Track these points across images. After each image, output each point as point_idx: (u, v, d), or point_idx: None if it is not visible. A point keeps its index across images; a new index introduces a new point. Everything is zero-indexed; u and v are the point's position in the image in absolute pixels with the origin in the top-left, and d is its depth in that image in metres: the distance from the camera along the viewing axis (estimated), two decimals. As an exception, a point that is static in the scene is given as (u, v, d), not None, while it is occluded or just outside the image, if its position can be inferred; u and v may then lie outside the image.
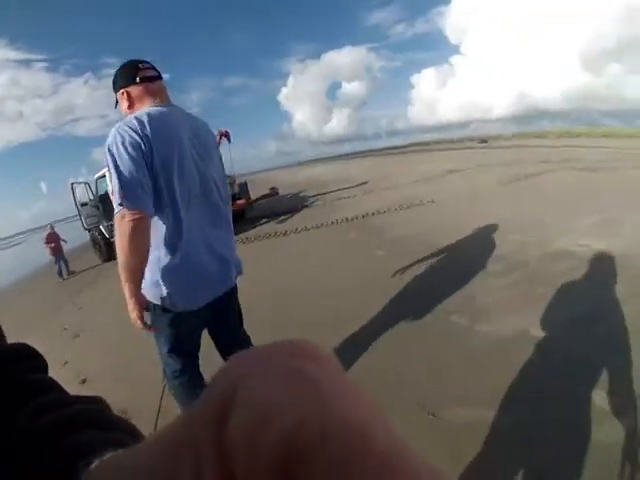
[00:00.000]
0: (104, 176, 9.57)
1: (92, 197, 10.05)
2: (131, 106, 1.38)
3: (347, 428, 0.11)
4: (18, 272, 13.63)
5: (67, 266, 9.21)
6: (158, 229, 1.31)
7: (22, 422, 0.27)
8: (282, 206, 10.62)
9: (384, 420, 0.12)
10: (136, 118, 1.24)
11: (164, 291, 1.34)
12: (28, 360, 0.36)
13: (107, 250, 9.42)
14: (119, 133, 1.20)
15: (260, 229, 8.11)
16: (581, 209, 4.78)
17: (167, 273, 1.33)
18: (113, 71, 1.47)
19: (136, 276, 1.28)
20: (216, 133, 8.57)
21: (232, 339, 1.69)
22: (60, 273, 9.05)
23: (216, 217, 1.46)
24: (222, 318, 1.62)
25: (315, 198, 11.28)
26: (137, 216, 1.19)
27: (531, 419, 1.64)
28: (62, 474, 0.22)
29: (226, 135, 8.81)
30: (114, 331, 3.92)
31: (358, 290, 3.51)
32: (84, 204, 9.92)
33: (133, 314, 1.34)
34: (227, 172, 9.60)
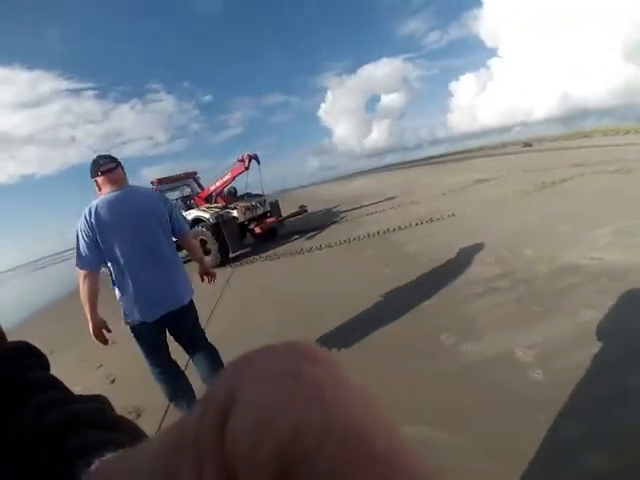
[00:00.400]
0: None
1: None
2: (100, 190, 2.02)
3: (346, 431, 0.11)
4: (69, 284, 14.81)
5: None
6: (113, 276, 2.02)
7: (23, 421, 0.28)
8: (312, 222, 10.84)
9: (385, 422, 0.12)
10: (89, 208, 1.92)
11: (125, 312, 2.05)
12: (30, 358, 0.36)
13: None
14: (81, 221, 1.90)
15: (289, 245, 8.32)
16: (601, 217, 4.55)
17: (123, 301, 2.03)
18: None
19: (89, 306, 1.94)
20: (245, 157, 9.01)
21: (190, 338, 2.28)
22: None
23: (159, 261, 2.07)
24: (179, 326, 2.20)
25: (344, 214, 11.42)
26: (85, 272, 1.92)
27: (482, 447, 1.60)
28: (62, 475, 0.23)
29: (255, 158, 9.14)
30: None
31: (355, 303, 3.59)
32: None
33: (91, 330, 1.98)
34: (257, 192, 10.01)
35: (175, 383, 2.21)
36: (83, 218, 1.90)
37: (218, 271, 7.58)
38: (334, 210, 13.41)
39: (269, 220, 9.36)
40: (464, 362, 2.29)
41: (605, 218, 4.46)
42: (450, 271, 4.03)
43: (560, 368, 2.05)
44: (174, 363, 2.26)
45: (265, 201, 9.77)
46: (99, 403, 0.33)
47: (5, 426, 0.27)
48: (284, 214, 10.51)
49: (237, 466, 0.12)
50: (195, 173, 11.61)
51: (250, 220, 9.13)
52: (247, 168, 9.25)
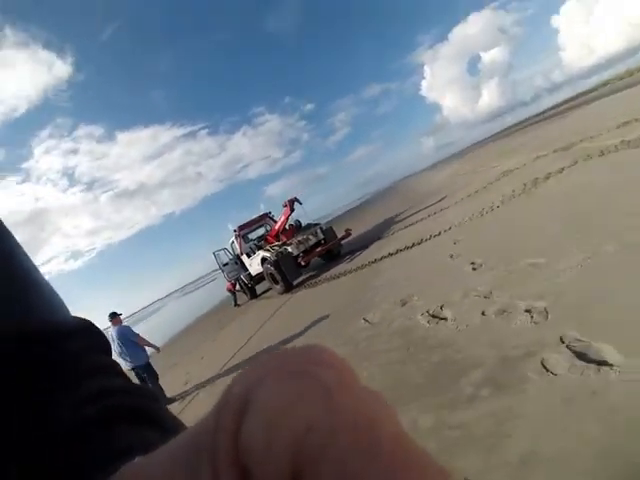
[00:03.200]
0: (233, 242, 12.93)
1: (231, 257, 13.27)
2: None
3: (356, 431, 0.11)
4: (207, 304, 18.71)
5: (235, 300, 13.31)
6: None
7: (68, 410, 0.28)
8: (364, 239, 11.88)
9: (394, 424, 0.12)
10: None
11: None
12: (89, 338, 0.35)
13: (250, 291, 13.00)
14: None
15: (333, 270, 9.32)
16: (518, 248, 4.05)
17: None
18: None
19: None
20: (287, 202, 10.61)
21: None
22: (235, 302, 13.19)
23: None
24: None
25: (395, 225, 11.95)
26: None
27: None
28: (91, 477, 0.23)
29: (296, 200, 10.71)
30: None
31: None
32: (225, 264, 13.20)
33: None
34: (307, 222, 11.47)
35: None
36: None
37: (280, 297, 9.58)
38: (395, 218, 14.01)
39: (317, 250, 10.56)
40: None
41: (522, 249, 3.99)
42: (348, 317, 4.69)
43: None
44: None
45: (317, 231, 10.88)
46: (146, 396, 0.33)
47: (43, 412, 0.27)
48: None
49: (251, 460, 0.12)
50: (269, 213, 13.62)
51: (304, 251, 10.41)
52: (293, 209, 10.80)
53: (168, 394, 5.36)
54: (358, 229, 16.28)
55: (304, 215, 11.88)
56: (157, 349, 5.65)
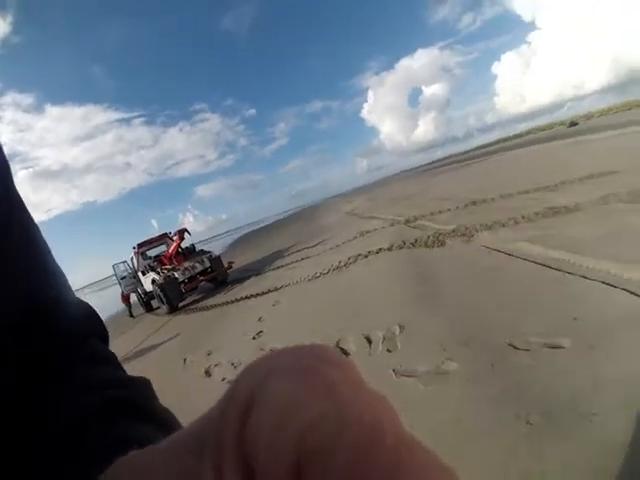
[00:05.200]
0: (133, 258, 13.77)
1: (130, 271, 14.11)
2: None
3: (360, 426, 0.11)
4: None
5: (130, 311, 13.81)
6: None
7: (67, 399, 0.28)
8: (253, 269, 13.26)
9: (396, 421, 0.12)
10: None
11: None
12: (90, 324, 0.35)
13: (145, 305, 13.74)
14: None
15: (211, 299, 10.56)
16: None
17: None
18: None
19: None
20: (177, 232, 11.87)
21: None
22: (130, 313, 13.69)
23: None
24: None
25: (278, 261, 13.20)
26: None
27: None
28: (84, 473, 0.22)
29: (185, 231, 12.04)
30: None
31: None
32: (123, 277, 14.02)
33: None
34: (199, 248, 12.94)
35: None
36: None
37: (162, 318, 10.78)
38: (283, 252, 15.45)
39: (200, 279, 11.88)
40: None
41: (284, 334, 4.93)
42: (185, 350, 5.68)
43: None
44: None
45: (204, 260, 12.07)
46: (143, 389, 0.33)
47: (42, 400, 0.26)
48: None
49: (256, 453, 0.12)
50: (169, 233, 14.51)
51: (189, 278, 11.65)
52: (182, 238, 12.10)
53: None
54: (257, 255, 17.85)
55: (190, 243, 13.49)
56: None
